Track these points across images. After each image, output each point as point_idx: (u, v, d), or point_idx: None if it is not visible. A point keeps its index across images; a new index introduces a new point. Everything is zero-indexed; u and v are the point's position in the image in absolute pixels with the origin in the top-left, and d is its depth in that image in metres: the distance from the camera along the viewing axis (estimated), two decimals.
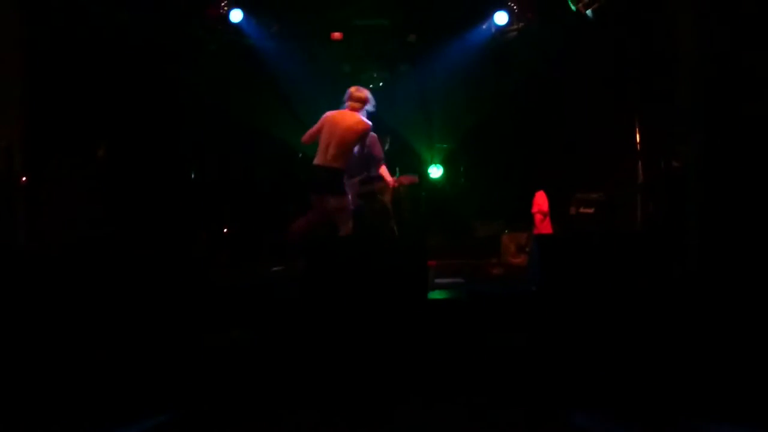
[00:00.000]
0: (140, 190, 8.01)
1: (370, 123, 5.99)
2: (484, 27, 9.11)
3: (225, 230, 8.76)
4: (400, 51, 9.42)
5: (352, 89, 6.11)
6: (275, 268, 7.47)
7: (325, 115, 6.00)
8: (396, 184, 6.75)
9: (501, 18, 8.80)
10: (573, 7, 7.68)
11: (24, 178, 6.74)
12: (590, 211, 7.60)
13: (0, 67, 6.63)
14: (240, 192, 9.25)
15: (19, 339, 4.45)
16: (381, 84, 9.51)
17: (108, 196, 7.81)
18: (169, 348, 4.59)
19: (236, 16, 8.65)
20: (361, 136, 5.97)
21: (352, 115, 5.95)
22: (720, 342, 4.32)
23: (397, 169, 7.29)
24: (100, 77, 7.80)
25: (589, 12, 7.78)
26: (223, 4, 8.64)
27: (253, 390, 4.12)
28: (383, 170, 6.67)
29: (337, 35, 9.21)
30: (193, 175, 9.01)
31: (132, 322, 4.69)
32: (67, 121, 7.46)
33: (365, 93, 6.09)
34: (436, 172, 9.54)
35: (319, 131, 5.94)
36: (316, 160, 5.92)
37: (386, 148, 6.87)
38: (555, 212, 7.88)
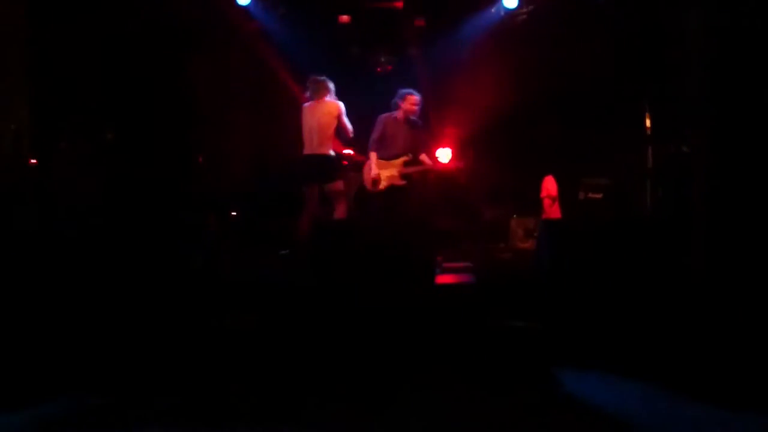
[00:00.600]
0: (148, 174, 8.01)
1: (340, 102, 6.68)
2: (493, 10, 9.05)
3: (233, 214, 8.76)
4: (409, 34, 9.36)
5: (311, 81, 6.79)
6: (282, 252, 7.49)
7: (302, 109, 6.76)
8: (437, 169, 7.37)
9: (511, 1, 8.73)
10: None
11: (33, 161, 6.75)
12: (599, 196, 7.59)
13: (8, 49, 6.61)
14: (248, 176, 9.25)
15: (30, 323, 4.48)
16: (389, 67, 9.49)
17: (116, 179, 7.83)
18: (176, 332, 4.61)
19: None
20: (337, 116, 6.62)
21: (323, 102, 6.65)
22: (728, 328, 4.32)
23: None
24: (108, 61, 7.79)
25: None
26: None
27: (259, 374, 4.14)
28: (423, 156, 7.15)
29: (345, 18, 9.16)
30: (200, 159, 9.00)
31: (140, 306, 4.72)
32: (76, 103, 7.47)
33: (324, 80, 6.74)
34: (444, 156, 9.51)
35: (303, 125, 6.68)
36: (305, 151, 6.67)
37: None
38: (564, 197, 7.86)
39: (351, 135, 6.82)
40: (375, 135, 7.11)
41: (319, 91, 6.69)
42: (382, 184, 7.03)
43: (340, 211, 6.62)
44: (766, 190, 5.33)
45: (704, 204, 5.74)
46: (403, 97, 6.98)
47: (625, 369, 4.00)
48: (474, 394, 3.72)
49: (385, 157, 7.06)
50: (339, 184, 6.68)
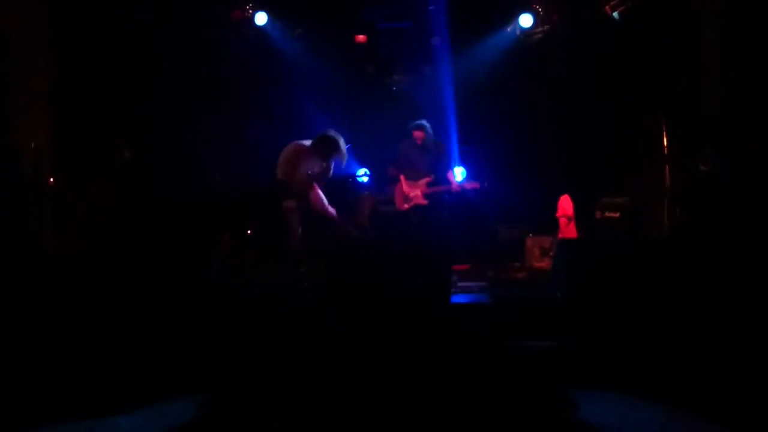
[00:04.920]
0: (165, 192, 8.06)
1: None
2: (509, 29, 9.07)
3: (249, 232, 8.78)
4: (424, 54, 9.41)
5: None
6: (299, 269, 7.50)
7: None
8: (459, 189, 7.73)
9: (526, 20, 8.74)
10: None
11: (52, 180, 6.82)
12: (616, 215, 7.53)
13: (29, 68, 6.71)
14: (264, 193, 9.27)
15: (46, 342, 4.50)
16: (405, 86, 9.53)
17: (133, 198, 7.89)
18: (191, 351, 4.62)
19: (261, 19, 8.69)
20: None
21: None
22: (747, 350, 4.25)
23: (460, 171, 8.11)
24: (126, 79, 7.88)
25: (615, 14, 7.72)
26: (248, 6, 8.68)
27: (273, 392, 4.13)
28: (450, 175, 7.74)
29: (361, 38, 9.24)
30: (217, 177, 9.05)
31: (156, 325, 4.72)
32: (95, 123, 7.54)
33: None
34: (459, 174, 9.49)
35: None
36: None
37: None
38: (580, 216, 7.80)
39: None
40: (397, 161, 7.80)
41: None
42: (408, 204, 7.69)
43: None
44: None
45: (724, 223, 5.69)
46: (411, 132, 7.60)
47: (642, 390, 3.95)
48: (489, 414, 3.69)
49: (412, 178, 7.70)
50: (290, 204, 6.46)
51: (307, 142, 6.49)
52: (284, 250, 6.69)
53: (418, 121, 7.59)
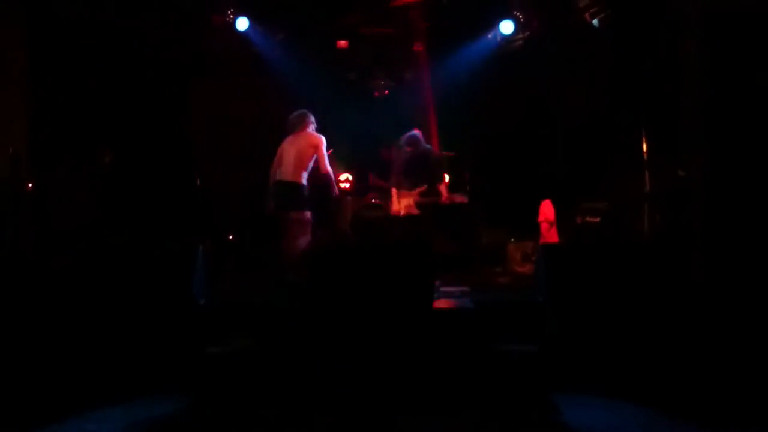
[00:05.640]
0: (146, 197, 8.00)
1: (322, 136, 6.73)
2: (489, 36, 9.11)
3: (230, 238, 8.73)
4: (406, 59, 9.44)
5: (291, 117, 6.86)
6: (280, 276, 7.47)
7: (283, 141, 6.81)
8: (448, 201, 7.76)
9: (507, 27, 8.77)
10: None
11: (30, 185, 6.74)
12: (596, 220, 7.58)
13: (5, 72, 6.64)
14: (245, 199, 9.23)
15: (26, 347, 4.45)
16: (387, 92, 9.54)
17: (113, 203, 7.82)
18: (173, 358, 4.58)
19: (242, 24, 8.65)
20: (316, 146, 6.66)
21: (305, 133, 6.73)
22: (727, 352, 4.30)
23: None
24: (105, 83, 7.81)
25: (595, 21, 7.78)
26: (229, 11, 8.64)
27: (256, 400, 4.11)
28: (442, 187, 7.71)
29: (343, 43, 9.24)
30: (198, 182, 9.00)
31: (136, 331, 4.68)
32: (73, 127, 7.47)
33: (304, 112, 6.84)
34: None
35: (280, 155, 6.73)
36: (277, 177, 6.69)
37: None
38: (561, 221, 7.85)
39: (326, 170, 6.77)
40: (392, 168, 7.90)
41: (301, 123, 6.78)
42: (402, 212, 7.70)
43: (302, 242, 6.54)
44: (764, 213, 5.35)
45: (703, 228, 5.75)
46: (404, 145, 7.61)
47: (624, 393, 3.97)
48: (471, 419, 3.69)
49: (406, 187, 7.71)
50: (305, 215, 6.67)
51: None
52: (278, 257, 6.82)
53: (411, 134, 7.61)
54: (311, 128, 6.84)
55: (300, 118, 6.84)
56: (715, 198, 5.73)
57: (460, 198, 7.93)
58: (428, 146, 7.83)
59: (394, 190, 7.80)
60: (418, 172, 7.66)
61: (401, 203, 7.69)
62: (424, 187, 7.66)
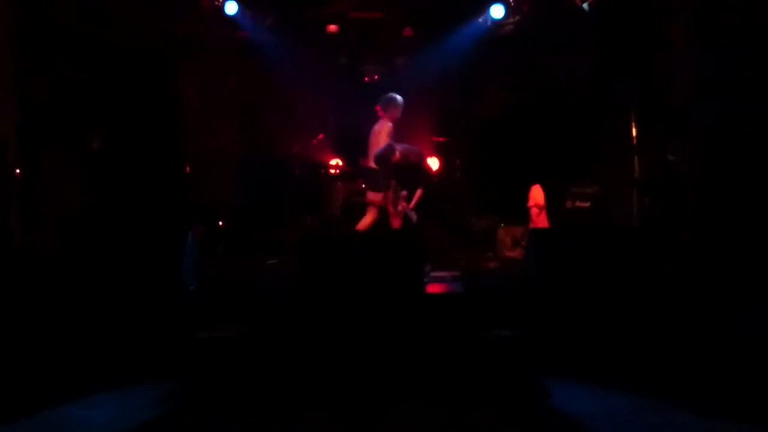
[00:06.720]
0: (136, 183, 7.97)
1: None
2: (480, 20, 9.09)
3: (220, 224, 8.73)
4: (397, 44, 9.40)
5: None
6: (270, 261, 7.48)
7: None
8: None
9: (497, 11, 8.75)
10: None
11: (18, 171, 6.70)
12: (586, 205, 7.60)
13: None
14: (236, 186, 9.22)
15: (16, 334, 4.44)
16: (376, 77, 9.51)
17: (102, 189, 7.78)
18: (164, 343, 4.58)
19: (231, 8, 8.56)
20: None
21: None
22: (716, 336, 4.34)
23: None
24: (94, 68, 7.74)
25: (585, 5, 7.77)
26: None
27: (247, 386, 4.12)
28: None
29: (333, 28, 9.18)
30: (188, 168, 8.96)
31: (126, 317, 4.68)
32: (62, 112, 7.41)
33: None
34: (432, 165, 9.51)
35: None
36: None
37: None
38: (551, 206, 7.87)
39: None
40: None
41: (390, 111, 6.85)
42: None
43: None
44: (753, 198, 5.38)
45: (692, 212, 5.78)
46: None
47: (614, 378, 4.00)
48: (462, 404, 3.71)
49: None
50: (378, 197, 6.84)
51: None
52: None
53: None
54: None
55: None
56: (704, 182, 5.75)
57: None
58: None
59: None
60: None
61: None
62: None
